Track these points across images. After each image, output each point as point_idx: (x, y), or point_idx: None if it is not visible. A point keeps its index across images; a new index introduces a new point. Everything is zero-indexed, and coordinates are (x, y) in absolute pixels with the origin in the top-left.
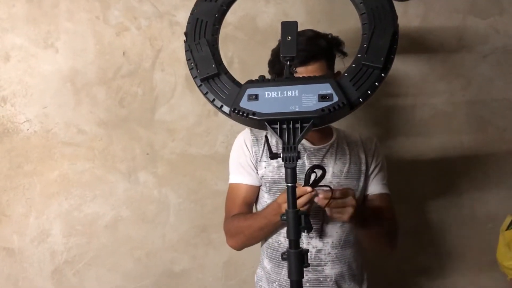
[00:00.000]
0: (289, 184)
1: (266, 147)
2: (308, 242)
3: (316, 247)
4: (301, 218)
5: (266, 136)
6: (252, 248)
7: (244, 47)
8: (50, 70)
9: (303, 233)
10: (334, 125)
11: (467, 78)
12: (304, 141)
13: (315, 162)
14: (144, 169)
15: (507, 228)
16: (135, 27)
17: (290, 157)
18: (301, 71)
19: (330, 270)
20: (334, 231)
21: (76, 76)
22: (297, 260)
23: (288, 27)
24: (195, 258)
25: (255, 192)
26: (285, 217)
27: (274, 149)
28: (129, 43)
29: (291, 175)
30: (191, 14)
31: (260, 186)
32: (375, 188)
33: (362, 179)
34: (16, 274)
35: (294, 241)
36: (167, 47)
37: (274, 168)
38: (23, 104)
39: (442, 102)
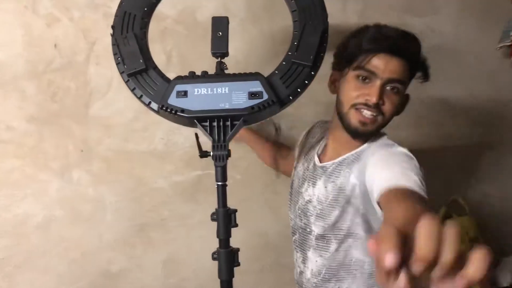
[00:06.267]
0: (219, 183)
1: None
2: (295, 259)
3: (299, 267)
4: (231, 217)
5: (196, 134)
6: (191, 246)
7: (184, 41)
8: None
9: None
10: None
11: None
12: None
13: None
14: (78, 167)
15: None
16: (68, 18)
17: (220, 155)
18: (378, 63)
19: None
20: (314, 259)
21: (1, 69)
22: (227, 259)
23: (219, 22)
24: (133, 258)
25: None
26: (215, 216)
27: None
28: (61, 35)
29: (221, 173)
30: (119, 6)
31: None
32: (378, 184)
33: (349, 206)
34: None
35: (224, 240)
36: (102, 39)
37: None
38: None
39: None
